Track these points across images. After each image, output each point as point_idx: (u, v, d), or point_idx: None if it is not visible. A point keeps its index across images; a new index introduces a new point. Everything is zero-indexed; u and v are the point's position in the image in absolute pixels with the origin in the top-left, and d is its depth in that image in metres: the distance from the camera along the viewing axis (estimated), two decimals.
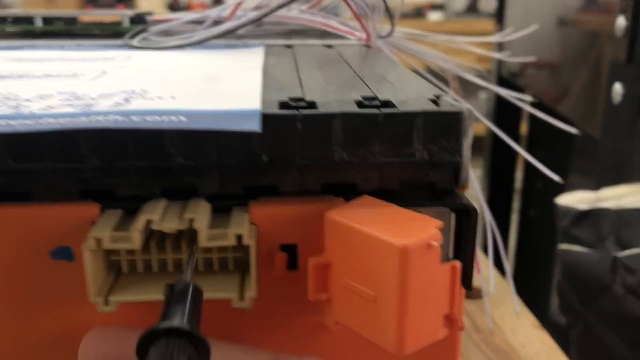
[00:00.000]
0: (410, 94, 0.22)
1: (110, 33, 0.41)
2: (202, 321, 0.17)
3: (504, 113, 0.81)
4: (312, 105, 0.20)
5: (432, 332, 0.17)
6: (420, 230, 0.17)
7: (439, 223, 0.17)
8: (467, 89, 0.40)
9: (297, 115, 0.19)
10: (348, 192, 0.20)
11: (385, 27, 0.42)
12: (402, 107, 0.20)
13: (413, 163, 0.20)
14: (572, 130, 0.45)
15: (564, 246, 0.47)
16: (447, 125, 0.19)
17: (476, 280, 0.47)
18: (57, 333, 0.21)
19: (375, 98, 0.21)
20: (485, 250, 0.44)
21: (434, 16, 2.26)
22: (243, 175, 0.20)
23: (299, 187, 0.20)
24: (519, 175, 0.88)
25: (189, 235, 0.20)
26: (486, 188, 0.90)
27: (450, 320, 0.19)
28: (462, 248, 0.20)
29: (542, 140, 0.78)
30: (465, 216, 0.20)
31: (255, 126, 0.17)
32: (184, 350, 0.15)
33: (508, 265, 0.42)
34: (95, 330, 0.19)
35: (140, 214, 0.19)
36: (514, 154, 0.89)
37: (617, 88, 0.55)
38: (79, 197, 0.20)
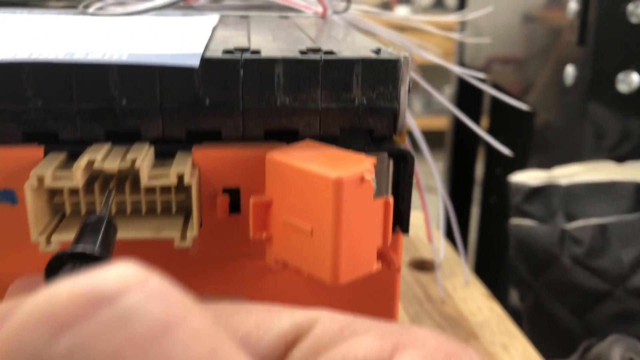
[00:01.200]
0: (354, 48, 0.22)
1: (66, 4, 0.41)
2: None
3: (465, 107, 0.83)
4: (255, 53, 0.20)
5: (365, 264, 0.18)
6: (354, 165, 0.17)
7: (373, 159, 0.18)
8: (431, 83, 0.41)
9: (239, 60, 0.19)
10: (290, 138, 0.20)
11: (342, 3, 0.43)
12: (343, 55, 0.20)
13: (353, 109, 0.20)
14: (523, 106, 0.46)
15: (515, 221, 0.48)
16: (384, 72, 0.20)
17: (429, 253, 0.48)
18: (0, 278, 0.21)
19: (319, 49, 0.21)
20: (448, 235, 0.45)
21: (401, 10, 2.29)
22: (186, 119, 0.20)
23: (242, 133, 0.20)
24: (479, 168, 0.90)
25: (133, 178, 0.20)
26: (448, 181, 0.92)
27: (386, 260, 0.19)
28: (399, 192, 0.20)
29: (502, 134, 0.79)
30: (403, 161, 0.20)
31: (194, 62, 0.18)
32: None
33: (459, 237, 0.43)
34: (22, 278, 0.19)
35: (84, 154, 0.19)
36: (475, 148, 0.91)
37: (569, 70, 0.57)
38: (22, 140, 0.20)
